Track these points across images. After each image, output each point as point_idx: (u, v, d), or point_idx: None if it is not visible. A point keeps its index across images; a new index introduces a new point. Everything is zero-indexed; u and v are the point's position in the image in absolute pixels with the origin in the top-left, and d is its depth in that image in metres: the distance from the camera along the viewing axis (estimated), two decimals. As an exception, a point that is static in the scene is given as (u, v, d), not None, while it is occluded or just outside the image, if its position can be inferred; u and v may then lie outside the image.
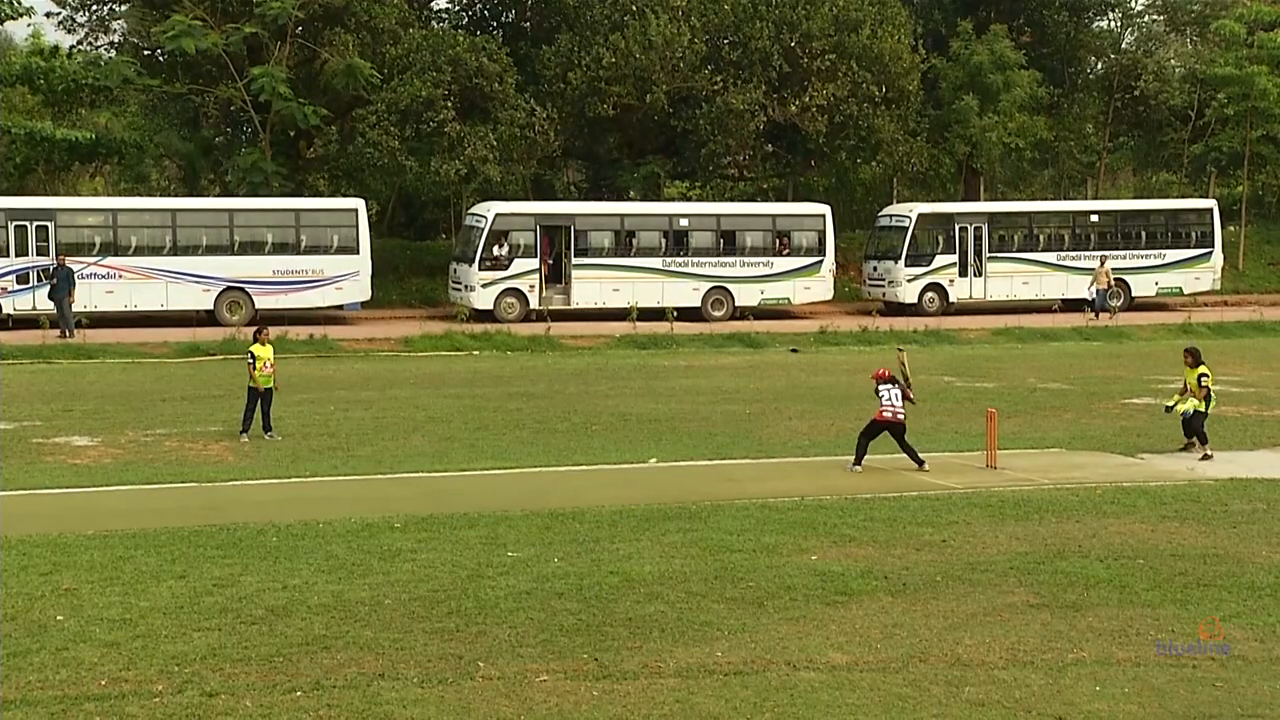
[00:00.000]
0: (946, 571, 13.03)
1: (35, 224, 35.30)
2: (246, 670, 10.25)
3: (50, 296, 33.99)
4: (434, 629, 11.19)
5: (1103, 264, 41.18)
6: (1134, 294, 43.12)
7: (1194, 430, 19.98)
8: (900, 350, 19.96)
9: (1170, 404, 20.36)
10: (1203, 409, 19.96)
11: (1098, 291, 40.78)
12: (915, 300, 41.43)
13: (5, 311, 34.81)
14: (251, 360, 21.01)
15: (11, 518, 15.04)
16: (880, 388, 18.57)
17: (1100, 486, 17.28)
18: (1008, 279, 42.25)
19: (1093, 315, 40.19)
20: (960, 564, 13.31)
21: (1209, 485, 17.39)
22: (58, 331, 32.91)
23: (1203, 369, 20.12)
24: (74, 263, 34.48)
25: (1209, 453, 19.71)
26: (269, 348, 21.48)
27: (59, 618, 11.40)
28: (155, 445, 20.32)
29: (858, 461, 18.35)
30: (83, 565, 12.99)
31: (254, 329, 22.12)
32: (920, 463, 18.28)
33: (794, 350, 34.50)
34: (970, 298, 42.06)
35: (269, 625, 11.24)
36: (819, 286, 41.20)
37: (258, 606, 11.72)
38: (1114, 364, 31.23)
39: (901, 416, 18.37)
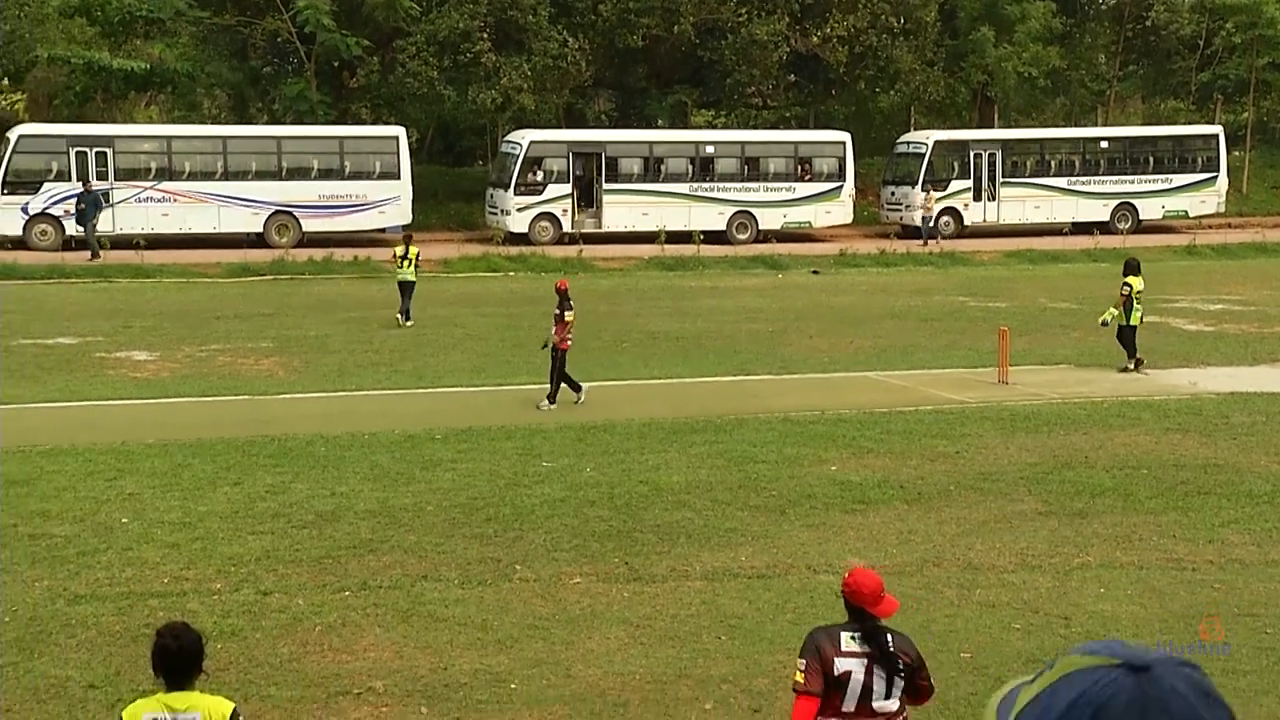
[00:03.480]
0: (959, 481, 13.03)
1: (95, 150, 35.28)
2: (298, 571, 10.36)
3: (78, 221, 33.82)
4: (474, 534, 11.27)
5: (929, 194, 40.30)
6: (1141, 217, 42.57)
7: (1123, 342, 19.32)
8: (562, 280, 18.11)
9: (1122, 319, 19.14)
10: (1123, 320, 19.17)
11: (923, 219, 40.00)
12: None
13: (68, 233, 34.85)
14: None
15: (78, 426, 15.19)
16: (564, 304, 16.86)
17: (1106, 400, 17.21)
18: (1020, 203, 41.73)
19: (924, 243, 38.56)
20: (972, 474, 13.31)
21: (1211, 399, 17.30)
22: (88, 254, 32.64)
23: (1127, 279, 19.30)
24: (132, 187, 34.53)
25: (1130, 366, 19.24)
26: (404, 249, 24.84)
27: (123, 520, 11.54)
28: (210, 360, 20.42)
29: (576, 391, 16.72)
30: (144, 472, 13.13)
31: (404, 235, 26.22)
32: (553, 400, 16.54)
33: (815, 272, 34.30)
34: (984, 221, 41.55)
35: (319, 529, 11.35)
36: (839, 210, 40.81)
37: (308, 512, 11.83)
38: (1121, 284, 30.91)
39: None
